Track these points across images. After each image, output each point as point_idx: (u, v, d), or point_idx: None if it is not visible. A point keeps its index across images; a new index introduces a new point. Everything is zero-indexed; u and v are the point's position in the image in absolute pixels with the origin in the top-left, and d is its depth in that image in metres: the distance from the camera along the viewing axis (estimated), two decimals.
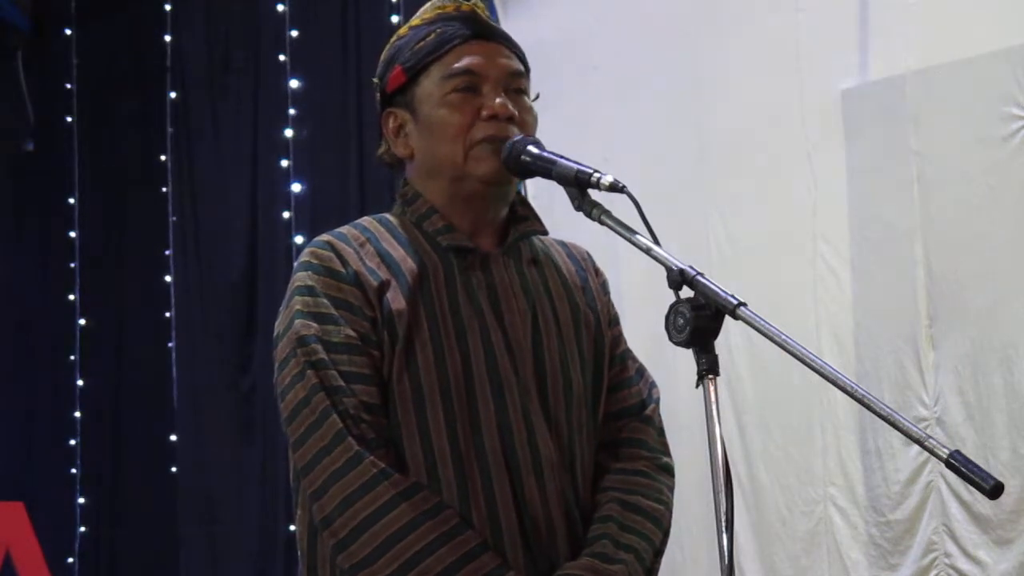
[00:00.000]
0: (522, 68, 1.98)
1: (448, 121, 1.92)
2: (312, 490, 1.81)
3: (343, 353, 1.83)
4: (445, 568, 1.76)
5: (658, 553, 1.94)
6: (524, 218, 1.99)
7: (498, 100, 1.91)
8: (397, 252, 1.92)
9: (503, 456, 1.85)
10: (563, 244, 2.09)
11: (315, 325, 1.84)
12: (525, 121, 1.94)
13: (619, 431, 2.00)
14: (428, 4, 2.02)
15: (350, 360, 1.83)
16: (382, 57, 2.02)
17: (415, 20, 2.01)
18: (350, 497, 1.78)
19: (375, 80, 2.03)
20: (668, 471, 2.00)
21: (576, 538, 1.89)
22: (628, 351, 2.07)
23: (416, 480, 1.81)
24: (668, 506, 1.97)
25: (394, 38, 2.02)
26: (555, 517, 1.87)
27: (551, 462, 1.88)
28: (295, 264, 1.95)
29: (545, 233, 2.02)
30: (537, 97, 2.01)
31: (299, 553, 1.92)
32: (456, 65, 1.93)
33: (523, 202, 2.01)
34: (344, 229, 1.95)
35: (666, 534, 1.96)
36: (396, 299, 1.87)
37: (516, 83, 1.96)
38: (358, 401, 1.82)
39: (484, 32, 1.97)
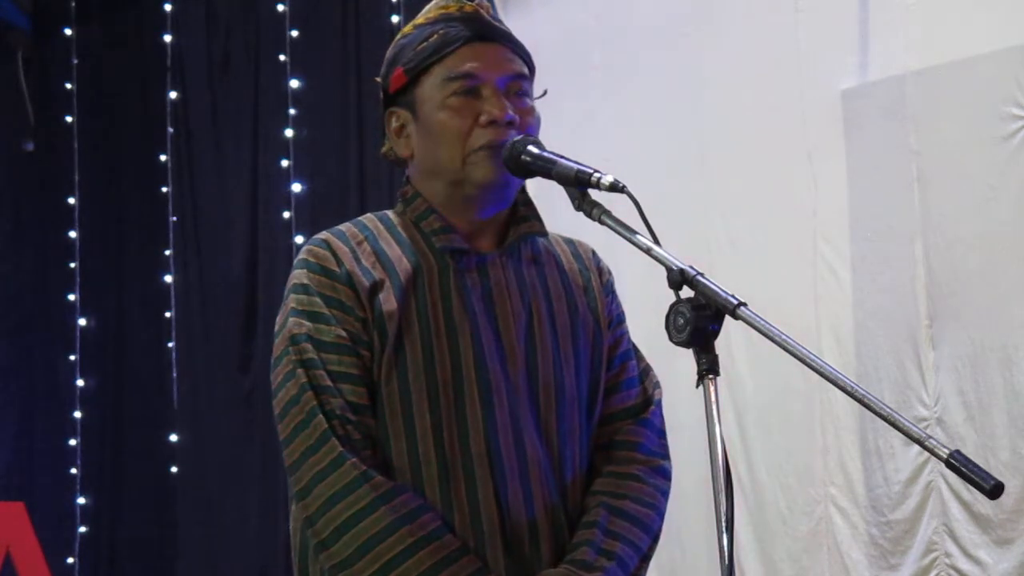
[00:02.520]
0: (524, 70, 1.96)
1: (447, 125, 1.90)
2: (297, 489, 1.82)
3: (332, 353, 1.84)
4: (424, 571, 1.76)
5: (645, 559, 1.92)
6: (525, 219, 1.98)
7: (497, 105, 1.89)
8: (393, 251, 1.91)
9: (488, 459, 1.84)
10: (569, 242, 2.08)
11: (307, 324, 1.85)
12: (527, 123, 1.92)
13: (615, 433, 1.98)
14: (432, 3, 2.00)
15: (339, 360, 1.84)
16: (386, 56, 2.01)
17: (419, 19, 1.99)
18: (332, 498, 1.78)
19: (378, 79, 2.02)
20: (663, 474, 1.98)
21: (561, 543, 1.88)
22: (631, 352, 2.05)
23: (398, 483, 1.81)
24: (659, 510, 1.95)
25: (398, 36, 2.01)
26: (539, 522, 1.86)
27: (538, 466, 1.87)
28: (295, 261, 1.96)
29: (544, 235, 2.00)
30: (544, 93, 2.00)
31: (291, 548, 1.93)
32: (456, 69, 1.91)
33: (526, 202, 2.00)
34: (344, 227, 1.95)
35: (655, 539, 1.94)
36: (388, 300, 1.87)
37: (517, 86, 1.94)
38: (344, 401, 1.82)
39: (486, 33, 1.95)
